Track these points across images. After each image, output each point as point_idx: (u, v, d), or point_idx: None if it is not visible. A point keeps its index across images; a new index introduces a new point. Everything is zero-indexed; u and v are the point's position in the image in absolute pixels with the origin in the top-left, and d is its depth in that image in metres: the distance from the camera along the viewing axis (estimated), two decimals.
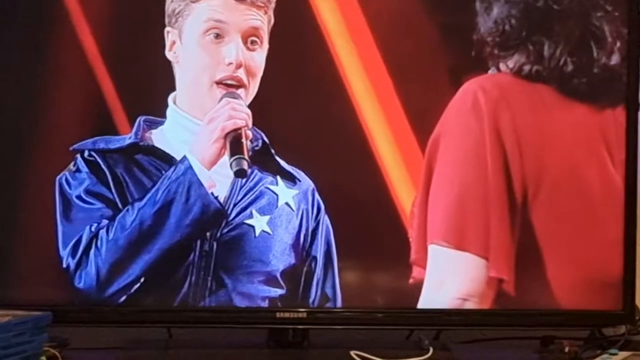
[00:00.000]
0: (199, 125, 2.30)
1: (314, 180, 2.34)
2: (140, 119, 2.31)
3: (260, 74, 2.32)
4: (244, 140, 2.28)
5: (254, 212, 2.32)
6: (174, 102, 2.32)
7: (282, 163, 2.33)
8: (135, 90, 2.32)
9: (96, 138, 2.31)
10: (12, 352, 2.05)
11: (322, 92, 2.33)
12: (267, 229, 2.32)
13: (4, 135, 2.30)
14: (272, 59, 2.31)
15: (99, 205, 2.30)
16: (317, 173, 2.34)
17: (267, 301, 2.32)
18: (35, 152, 2.31)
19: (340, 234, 2.34)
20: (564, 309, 2.35)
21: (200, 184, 2.28)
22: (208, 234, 2.30)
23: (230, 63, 2.30)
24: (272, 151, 2.33)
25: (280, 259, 2.32)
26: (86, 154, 2.31)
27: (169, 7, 2.31)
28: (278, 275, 2.32)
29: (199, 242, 2.29)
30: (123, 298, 2.30)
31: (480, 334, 2.45)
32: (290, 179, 2.34)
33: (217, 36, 2.30)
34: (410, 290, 2.35)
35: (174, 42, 2.31)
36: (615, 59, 2.33)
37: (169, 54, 2.31)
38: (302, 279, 2.33)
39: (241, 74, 2.31)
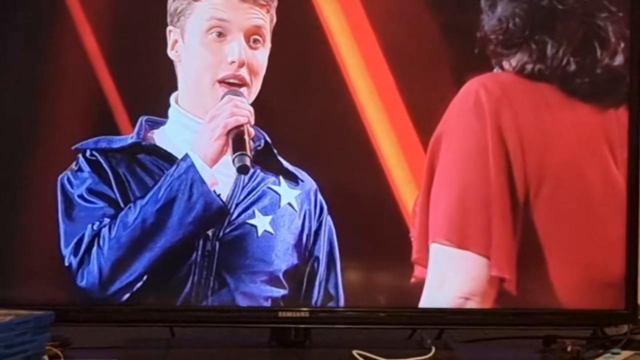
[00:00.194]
0: (201, 124, 2.30)
1: (317, 181, 2.33)
2: (143, 119, 2.31)
3: (262, 72, 2.31)
4: (246, 137, 2.28)
5: (257, 212, 2.32)
6: (176, 102, 2.32)
7: (285, 163, 2.33)
8: (137, 89, 2.32)
9: (98, 138, 2.31)
10: (14, 351, 2.06)
11: (324, 91, 2.33)
12: (270, 229, 2.32)
13: (6, 135, 2.30)
14: (275, 58, 2.31)
15: (101, 204, 2.30)
16: (319, 173, 2.33)
17: (269, 301, 2.32)
18: (36, 151, 2.30)
19: (342, 234, 2.33)
20: (566, 309, 2.35)
21: (203, 182, 2.28)
22: (210, 233, 2.30)
23: (233, 61, 2.30)
24: (275, 151, 2.33)
25: (283, 259, 2.32)
26: (88, 153, 2.31)
27: (171, 6, 2.30)
28: (280, 276, 2.32)
29: (201, 242, 2.29)
30: (125, 297, 2.30)
31: (482, 333, 2.45)
32: (293, 179, 2.33)
33: (220, 35, 2.30)
34: (413, 290, 2.35)
35: (176, 41, 2.31)
36: (618, 60, 2.33)
37: (171, 53, 2.31)
38: (305, 279, 2.33)
39: (244, 72, 2.30)
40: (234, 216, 2.30)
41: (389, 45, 2.33)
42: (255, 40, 2.31)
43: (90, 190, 2.30)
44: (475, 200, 2.34)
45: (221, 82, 2.30)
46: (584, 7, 2.33)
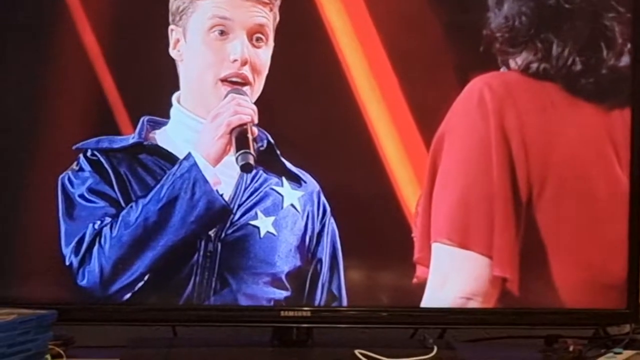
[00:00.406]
0: (203, 124, 2.28)
1: (319, 182, 2.32)
2: (144, 119, 2.30)
3: (265, 71, 2.30)
4: (249, 135, 2.26)
5: (259, 213, 2.31)
6: (178, 102, 2.31)
7: (288, 164, 2.32)
8: (138, 89, 2.30)
9: (99, 137, 2.29)
10: (16, 350, 2.06)
11: (327, 91, 2.32)
12: (272, 230, 2.31)
13: (7, 135, 2.29)
14: (277, 57, 2.29)
15: (102, 203, 2.29)
16: (322, 174, 2.32)
17: (272, 302, 2.32)
18: (37, 151, 2.29)
19: (345, 233, 2.33)
20: (568, 308, 2.35)
21: (205, 181, 2.27)
22: (212, 234, 2.29)
23: (235, 60, 2.28)
24: (278, 152, 2.32)
25: (286, 260, 2.31)
26: (89, 153, 2.30)
27: (172, 5, 2.29)
28: (283, 277, 2.32)
29: (203, 242, 2.29)
30: (127, 296, 2.29)
31: (484, 332, 2.46)
32: (296, 180, 2.33)
33: (222, 33, 2.28)
34: (415, 289, 2.34)
35: (177, 40, 2.29)
36: (624, 61, 2.31)
37: (172, 53, 2.29)
38: (308, 281, 2.33)
39: (246, 71, 2.29)
40: (237, 217, 2.30)
41: (392, 45, 2.31)
42: (258, 39, 2.29)
43: (91, 190, 2.29)
44: (478, 200, 2.33)
45: (224, 80, 2.29)
46: (591, 7, 2.31)
